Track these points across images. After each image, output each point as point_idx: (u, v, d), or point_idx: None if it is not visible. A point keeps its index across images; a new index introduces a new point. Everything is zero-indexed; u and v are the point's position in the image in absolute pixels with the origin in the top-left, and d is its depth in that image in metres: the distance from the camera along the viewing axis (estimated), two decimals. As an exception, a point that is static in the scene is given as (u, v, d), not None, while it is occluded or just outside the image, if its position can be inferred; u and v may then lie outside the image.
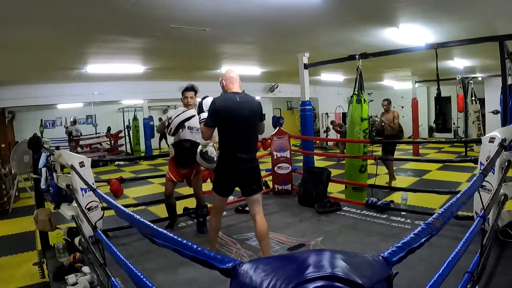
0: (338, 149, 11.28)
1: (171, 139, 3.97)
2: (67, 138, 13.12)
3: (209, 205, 3.78)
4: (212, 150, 3.37)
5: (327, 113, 15.61)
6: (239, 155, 2.69)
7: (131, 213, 1.51)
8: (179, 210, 4.50)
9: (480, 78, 11.29)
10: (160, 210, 5.29)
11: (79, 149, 12.83)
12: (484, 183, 2.60)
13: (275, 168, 5.30)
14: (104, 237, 2.00)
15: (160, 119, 15.61)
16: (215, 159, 3.30)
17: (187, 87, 3.77)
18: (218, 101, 2.73)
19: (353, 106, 5.05)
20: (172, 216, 4.03)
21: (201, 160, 3.37)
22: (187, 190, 4.67)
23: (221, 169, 2.79)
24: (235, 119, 2.68)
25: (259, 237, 2.82)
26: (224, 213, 4.52)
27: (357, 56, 4.78)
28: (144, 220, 1.37)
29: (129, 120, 14.21)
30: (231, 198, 5.02)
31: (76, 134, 13.00)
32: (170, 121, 3.62)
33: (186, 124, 3.65)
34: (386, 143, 6.38)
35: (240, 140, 2.72)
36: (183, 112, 3.61)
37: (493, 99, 10.17)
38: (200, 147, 3.39)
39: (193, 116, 3.58)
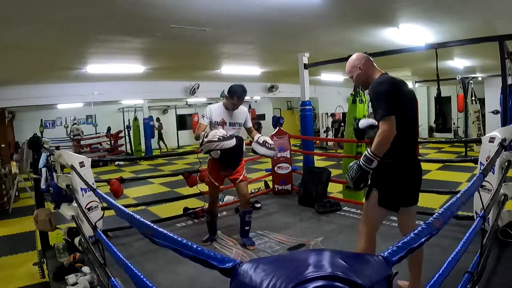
0: (333, 149, 11.32)
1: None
2: (71, 137, 13.09)
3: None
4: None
5: (327, 113, 15.61)
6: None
7: (131, 213, 1.50)
8: (179, 210, 4.50)
9: (480, 78, 11.30)
10: (160, 210, 5.30)
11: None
12: (484, 183, 2.60)
13: (275, 168, 5.30)
14: (104, 237, 2.00)
15: (157, 119, 15.58)
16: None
17: (243, 95, 3.30)
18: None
19: (349, 106, 5.13)
20: (214, 227, 3.58)
21: (265, 150, 3.22)
22: (187, 190, 4.67)
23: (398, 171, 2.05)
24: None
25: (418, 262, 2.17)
26: (224, 213, 4.54)
27: (357, 56, 4.77)
28: (144, 220, 1.37)
29: (129, 120, 14.22)
30: (231, 198, 5.03)
31: (77, 133, 12.99)
32: (205, 138, 3.06)
33: (228, 120, 3.29)
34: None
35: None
36: (224, 139, 3.02)
37: (493, 99, 10.16)
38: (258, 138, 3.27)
39: (236, 143, 3.15)
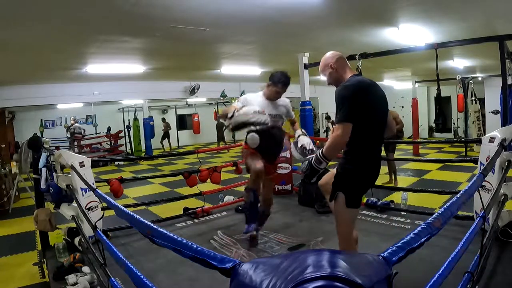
0: None
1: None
2: (71, 138, 13.08)
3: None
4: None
5: (327, 113, 15.62)
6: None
7: (131, 213, 1.51)
8: (179, 210, 4.50)
9: (480, 78, 11.29)
10: (160, 210, 5.29)
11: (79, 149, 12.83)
12: (484, 183, 2.60)
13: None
14: (104, 237, 2.00)
15: (163, 119, 15.61)
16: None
17: (288, 82, 3.01)
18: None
19: None
20: (255, 211, 3.15)
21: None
22: (187, 190, 4.66)
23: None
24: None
25: None
26: (224, 213, 4.54)
27: (357, 56, 4.78)
28: (144, 220, 1.37)
29: (129, 120, 14.21)
30: (231, 198, 5.03)
31: (79, 132, 12.96)
32: (234, 114, 2.74)
33: (267, 112, 2.92)
34: (388, 143, 6.38)
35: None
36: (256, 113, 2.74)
37: (493, 99, 10.17)
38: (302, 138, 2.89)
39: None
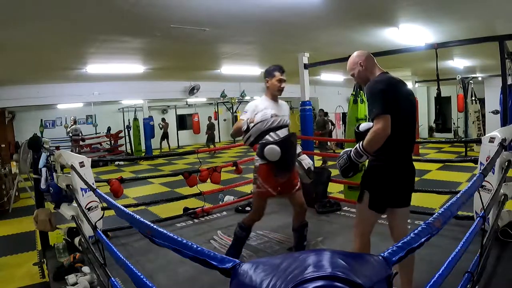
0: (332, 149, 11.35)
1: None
2: (70, 136, 13.08)
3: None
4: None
5: (327, 113, 15.61)
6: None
7: (131, 213, 1.50)
8: (179, 211, 4.50)
9: (480, 78, 11.29)
10: (160, 210, 5.30)
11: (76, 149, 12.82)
12: (484, 183, 2.59)
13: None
14: (104, 237, 2.00)
15: (163, 119, 15.63)
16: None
17: (281, 67, 2.81)
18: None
19: (350, 106, 5.16)
20: (240, 249, 2.92)
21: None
22: (187, 190, 4.66)
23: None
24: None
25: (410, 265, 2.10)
26: (224, 213, 4.54)
27: (357, 56, 4.78)
28: (144, 220, 1.37)
29: (129, 120, 14.22)
30: (231, 198, 5.03)
31: (75, 134, 12.98)
32: (250, 126, 2.55)
33: (277, 113, 2.69)
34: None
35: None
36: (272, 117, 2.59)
37: (493, 99, 10.16)
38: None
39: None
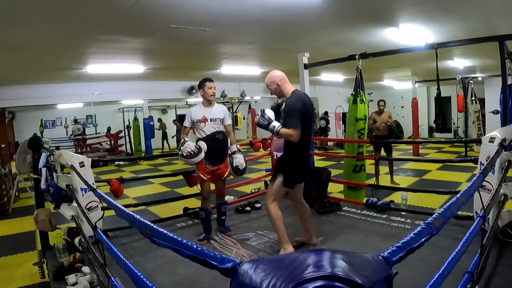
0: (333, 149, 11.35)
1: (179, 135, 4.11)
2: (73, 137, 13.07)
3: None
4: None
5: (326, 113, 15.61)
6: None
7: (131, 213, 1.51)
8: (179, 211, 4.50)
9: (480, 78, 11.29)
10: (160, 210, 5.30)
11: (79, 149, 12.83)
12: (484, 183, 2.59)
13: (275, 168, 5.30)
14: (104, 237, 2.00)
15: (159, 119, 15.66)
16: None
17: (208, 78, 3.71)
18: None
19: (350, 106, 5.17)
20: (209, 225, 3.60)
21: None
22: (187, 190, 4.66)
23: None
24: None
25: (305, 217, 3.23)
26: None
27: (357, 56, 4.78)
28: (144, 220, 1.37)
29: (129, 120, 14.21)
30: (231, 198, 5.03)
31: (78, 133, 12.98)
32: (181, 147, 3.48)
33: (208, 117, 3.51)
34: (386, 143, 6.41)
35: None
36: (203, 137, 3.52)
37: (493, 99, 10.16)
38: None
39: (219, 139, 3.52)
